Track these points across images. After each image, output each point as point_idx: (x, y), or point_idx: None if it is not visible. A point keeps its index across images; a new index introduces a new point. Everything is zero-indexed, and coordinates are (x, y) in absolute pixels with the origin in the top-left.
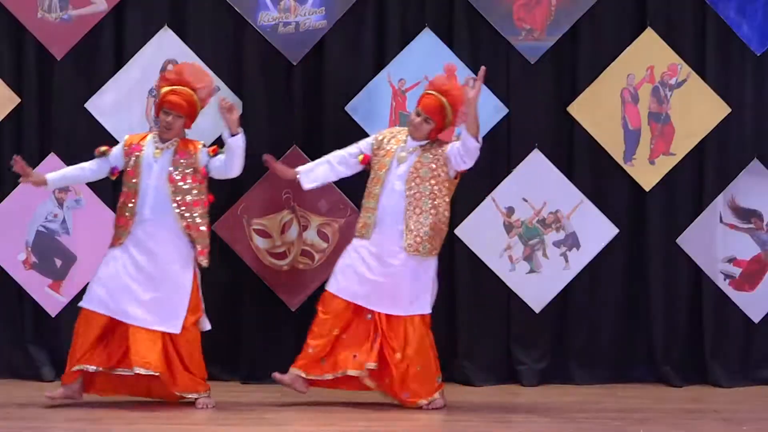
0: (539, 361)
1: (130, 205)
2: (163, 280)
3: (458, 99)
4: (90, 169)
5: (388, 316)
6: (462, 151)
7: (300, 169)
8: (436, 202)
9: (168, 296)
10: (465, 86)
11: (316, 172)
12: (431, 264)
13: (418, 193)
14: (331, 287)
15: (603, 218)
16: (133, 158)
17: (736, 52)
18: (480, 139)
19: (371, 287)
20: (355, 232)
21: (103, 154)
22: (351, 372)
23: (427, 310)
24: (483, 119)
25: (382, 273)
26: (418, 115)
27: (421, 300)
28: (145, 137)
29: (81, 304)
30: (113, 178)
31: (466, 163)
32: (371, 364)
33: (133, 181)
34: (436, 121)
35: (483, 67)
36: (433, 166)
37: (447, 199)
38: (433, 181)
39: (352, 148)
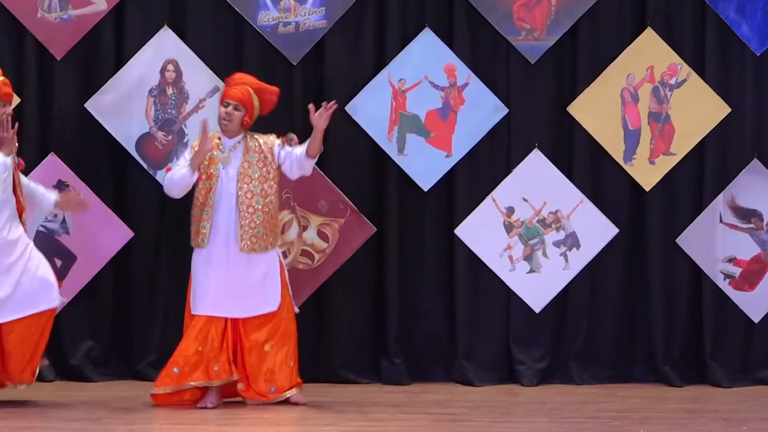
0: (539, 361)
1: None
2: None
3: (261, 89)
4: None
5: (245, 319)
6: (296, 166)
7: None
8: (267, 200)
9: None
10: (314, 115)
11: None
12: (272, 257)
13: (249, 192)
14: (194, 309)
15: (603, 218)
16: None
17: (736, 52)
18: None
19: (225, 296)
20: (191, 242)
21: None
22: (216, 383)
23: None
24: (483, 119)
25: (229, 279)
26: (226, 105)
27: (274, 294)
28: None
29: None
30: None
31: (294, 176)
32: (234, 376)
33: None
34: (246, 108)
35: (333, 103)
36: (261, 165)
37: (276, 194)
38: (263, 179)
39: (181, 167)
